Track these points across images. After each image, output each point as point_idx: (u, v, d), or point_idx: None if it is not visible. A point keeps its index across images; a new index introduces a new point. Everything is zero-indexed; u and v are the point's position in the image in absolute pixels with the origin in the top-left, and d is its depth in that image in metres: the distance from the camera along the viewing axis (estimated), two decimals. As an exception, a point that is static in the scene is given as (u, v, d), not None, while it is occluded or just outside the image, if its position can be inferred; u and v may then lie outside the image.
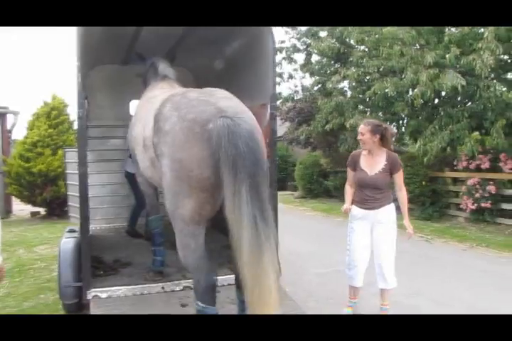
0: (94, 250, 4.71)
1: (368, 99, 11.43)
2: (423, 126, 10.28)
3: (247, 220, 2.63)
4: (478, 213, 9.41)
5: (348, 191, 4.50)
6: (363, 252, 4.34)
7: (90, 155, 5.80)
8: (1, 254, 2.70)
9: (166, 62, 4.79)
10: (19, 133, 13.25)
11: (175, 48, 5.26)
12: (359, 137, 4.36)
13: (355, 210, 4.38)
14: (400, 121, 11.92)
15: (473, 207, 9.33)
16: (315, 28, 13.68)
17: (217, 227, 4.42)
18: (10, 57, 56.30)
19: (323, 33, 13.62)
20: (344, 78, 11.90)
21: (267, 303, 2.58)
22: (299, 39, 14.54)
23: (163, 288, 4.12)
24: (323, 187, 15.20)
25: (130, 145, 4.30)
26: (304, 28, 14.15)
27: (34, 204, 12.06)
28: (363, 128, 4.31)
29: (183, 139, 2.89)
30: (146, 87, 4.75)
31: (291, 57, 14.55)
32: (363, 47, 12.19)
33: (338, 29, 12.22)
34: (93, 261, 4.39)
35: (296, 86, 15.37)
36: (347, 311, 4.49)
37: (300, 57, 14.66)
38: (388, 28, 9.67)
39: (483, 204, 9.11)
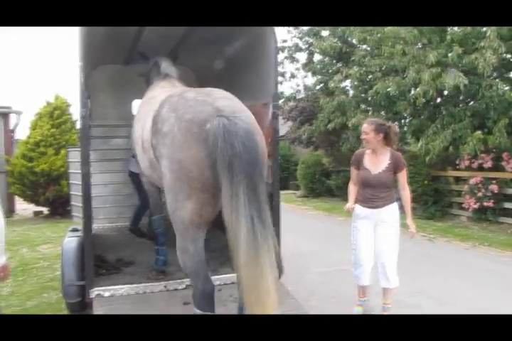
0: (97, 249, 4.73)
1: (370, 99, 11.42)
2: (425, 125, 10.27)
3: (245, 222, 2.60)
4: (481, 212, 9.40)
5: (352, 190, 4.51)
6: (369, 251, 4.34)
7: (93, 154, 5.80)
8: (5, 253, 2.72)
9: (168, 60, 4.78)
10: (22, 132, 13.24)
11: (177, 48, 5.27)
12: (363, 136, 4.36)
13: (359, 209, 4.38)
14: (402, 120, 11.91)
15: (475, 206, 9.32)
16: (317, 28, 13.69)
17: (219, 226, 4.43)
18: (12, 57, 56.43)
19: (325, 33, 13.62)
20: (346, 77, 11.89)
21: (266, 305, 2.55)
22: (301, 38, 14.54)
23: (165, 286, 4.13)
24: (325, 186, 15.21)
25: (132, 145, 4.31)
26: (306, 28, 14.15)
27: (37, 203, 12.10)
28: (366, 127, 4.31)
29: (182, 140, 2.86)
30: (149, 86, 4.75)
31: (293, 56, 14.56)
32: (365, 47, 12.18)
33: (340, 28, 12.24)
34: (96, 260, 4.40)
35: (298, 85, 15.40)
36: (357, 310, 4.49)
37: (302, 57, 14.66)
38: (390, 27, 9.67)
39: (485, 204, 9.11)
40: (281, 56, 14.17)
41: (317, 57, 14.39)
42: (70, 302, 4.40)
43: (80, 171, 4.03)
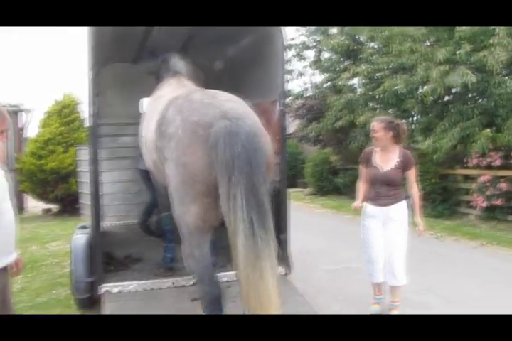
0: (105, 246, 4.77)
1: (378, 96, 11.39)
2: (433, 123, 10.22)
3: (243, 226, 2.55)
4: (489, 211, 9.33)
5: (360, 188, 4.50)
6: (381, 248, 4.34)
7: (102, 152, 5.84)
8: (16, 250, 2.75)
9: (178, 56, 4.68)
10: (33, 131, 13.36)
11: (185, 46, 5.29)
12: (373, 134, 4.36)
13: (368, 207, 4.38)
14: (410, 119, 11.86)
15: (484, 205, 9.26)
16: (324, 26, 13.65)
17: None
18: (23, 56, 56.82)
19: (333, 30, 13.57)
20: (354, 75, 11.87)
21: (267, 309, 2.52)
22: (308, 36, 14.51)
23: (173, 283, 4.16)
24: (333, 184, 15.17)
25: (139, 143, 4.33)
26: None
27: (46, 201, 12.20)
28: (376, 125, 4.30)
29: (187, 143, 2.83)
30: (160, 82, 4.67)
31: (300, 54, 14.52)
32: (373, 44, 12.15)
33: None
34: (104, 257, 4.44)
35: (306, 83, 15.36)
36: (375, 308, 4.49)
37: (310, 54, 14.62)
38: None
39: (494, 202, 9.04)
40: (289, 54, 14.15)
41: (325, 55, 14.36)
42: (78, 299, 4.45)
43: (88, 169, 4.06)
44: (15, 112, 13.14)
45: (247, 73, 5.24)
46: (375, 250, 4.35)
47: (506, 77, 8.97)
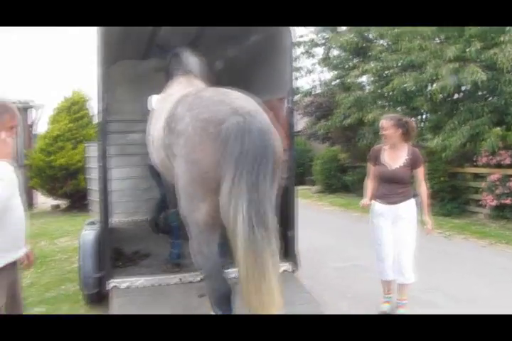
0: (113, 242, 4.80)
1: (387, 94, 11.33)
2: (443, 121, 10.15)
3: (242, 224, 2.53)
4: (499, 209, 9.26)
5: (369, 186, 4.48)
6: (391, 247, 4.33)
7: (111, 149, 5.86)
8: (26, 245, 2.78)
9: (188, 51, 4.60)
10: (42, 127, 13.46)
11: (194, 44, 5.29)
12: (381, 132, 4.34)
13: (376, 205, 4.37)
14: (419, 116, 11.79)
15: (493, 204, 9.19)
16: (334, 23, 13.58)
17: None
18: (31, 54, 57.14)
19: (342, 28, 13.51)
20: (363, 73, 11.80)
21: (269, 308, 2.49)
22: (317, 34, 14.45)
23: (180, 279, 4.18)
24: (342, 182, 15.14)
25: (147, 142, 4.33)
26: (322, 23, 14.05)
27: (55, 197, 12.29)
28: (385, 123, 4.29)
29: (197, 140, 2.81)
30: (170, 79, 4.62)
31: (309, 51, 14.47)
32: (382, 42, 12.08)
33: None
34: (113, 253, 4.47)
35: (314, 81, 15.30)
36: (386, 306, 4.48)
37: (319, 52, 14.56)
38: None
39: (503, 201, 8.96)
40: (297, 51, 14.11)
41: (334, 52, 14.30)
42: (87, 294, 4.49)
43: (97, 166, 4.08)
44: (24, 109, 13.24)
45: (255, 71, 5.24)
46: (385, 248, 4.34)
47: (517, 75, 8.88)
